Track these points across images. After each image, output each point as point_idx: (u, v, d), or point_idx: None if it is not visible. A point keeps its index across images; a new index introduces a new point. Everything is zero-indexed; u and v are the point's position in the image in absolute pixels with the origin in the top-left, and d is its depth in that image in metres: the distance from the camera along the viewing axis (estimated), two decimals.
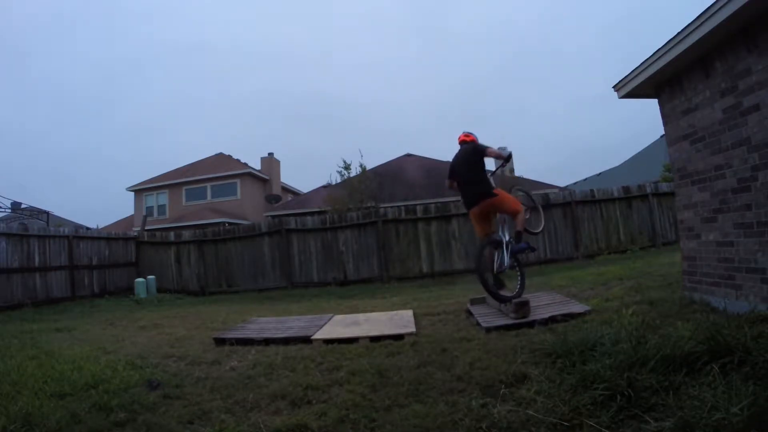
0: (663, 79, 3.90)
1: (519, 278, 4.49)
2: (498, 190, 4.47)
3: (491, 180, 4.54)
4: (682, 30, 3.32)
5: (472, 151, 4.52)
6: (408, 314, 4.81)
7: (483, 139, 4.75)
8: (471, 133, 4.74)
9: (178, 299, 10.04)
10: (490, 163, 4.93)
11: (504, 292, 4.28)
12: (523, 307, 3.81)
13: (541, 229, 5.20)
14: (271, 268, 10.89)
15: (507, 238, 4.40)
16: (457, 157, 4.64)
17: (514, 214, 4.42)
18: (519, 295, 4.26)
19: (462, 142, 4.69)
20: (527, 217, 4.69)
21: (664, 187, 10.48)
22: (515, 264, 4.51)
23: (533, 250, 4.80)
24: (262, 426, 2.24)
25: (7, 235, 8.83)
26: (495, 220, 4.62)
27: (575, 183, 27.71)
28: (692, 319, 2.96)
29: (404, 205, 12.19)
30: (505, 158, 4.45)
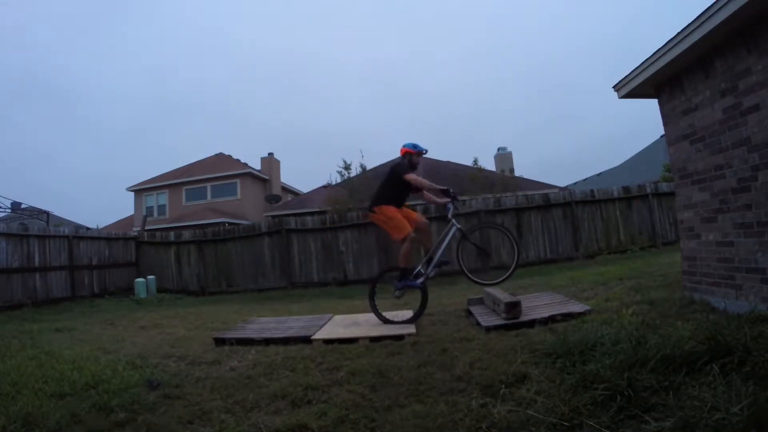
0: (663, 79, 3.90)
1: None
2: (383, 209, 4.41)
3: (389, 195, 4.47)
4: (682, 30, 3.32)
5: (390, 167, 4.58)
6: (408, 314, 4.81)
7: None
8: (405, 146, 4.58)
9: (178, 299, 10.03)
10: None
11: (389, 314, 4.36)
12: (515, 307, 3.81)
13: (499, 279, 4.39)
14: (271, 268, 10.88)
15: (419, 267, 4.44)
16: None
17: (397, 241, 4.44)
18: (411, 320, 4.29)
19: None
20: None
21: (664, 187, 10.47)
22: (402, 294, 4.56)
23: (415, 287, 4.39)
24: (262, 426, 2.24)
25: (7, 235, 8.82)
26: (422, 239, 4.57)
27: (575, 183, 27.69)
28: (692, 319, 2.96)
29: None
30: (439, 191, 4.33)
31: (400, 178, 4.39)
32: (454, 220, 4.41)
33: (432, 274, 4.45)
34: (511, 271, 4.29)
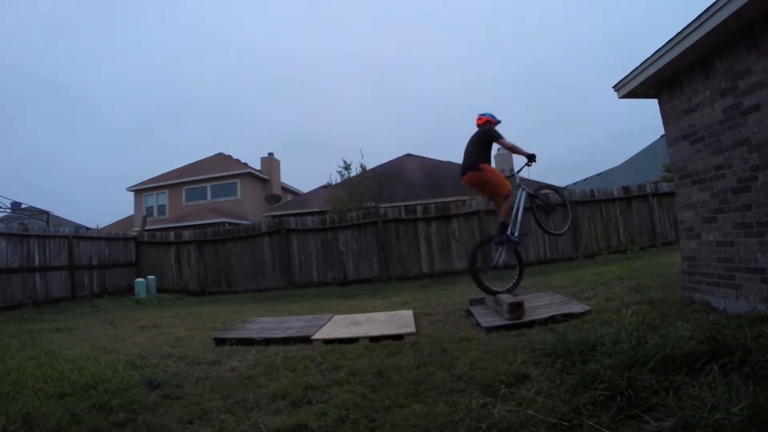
0: (663, 79, 3.90)
1: (516, 275, 4.74)
2: (488, 166, 4.58)
3: (487, 157, 4.64)
4: (682, 30, 3.32)
5: (479, 133, 4.70)
6: (408, 314, 4.81)
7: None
8: (485, 115, 4.81)
9: (178, 299, 10.03)
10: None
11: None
12: (518, 308, 3.80)
13: (563, 231, 5.64)
14: (271, 268, 10.88)
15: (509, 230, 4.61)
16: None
17: (500, 200, 4.65)
18: (510, 290, 4.50)
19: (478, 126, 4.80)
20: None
21: (664, 187, 10.46)
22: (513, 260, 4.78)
23: (513, 242, 4.56)
24: (262, 426, 2.24)
25: (7, 235, 8.81)
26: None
27: (575, 183, 27.66)
28: (692, 319, 2.96)
29: (404, 205, 12.18)
30: (526, 155, 4.57)
31: (491, 142, 4.65)
32: (522, 185, 4.85)
33: (517, 238, 4.62)
34: (569, 225, 5.59)
